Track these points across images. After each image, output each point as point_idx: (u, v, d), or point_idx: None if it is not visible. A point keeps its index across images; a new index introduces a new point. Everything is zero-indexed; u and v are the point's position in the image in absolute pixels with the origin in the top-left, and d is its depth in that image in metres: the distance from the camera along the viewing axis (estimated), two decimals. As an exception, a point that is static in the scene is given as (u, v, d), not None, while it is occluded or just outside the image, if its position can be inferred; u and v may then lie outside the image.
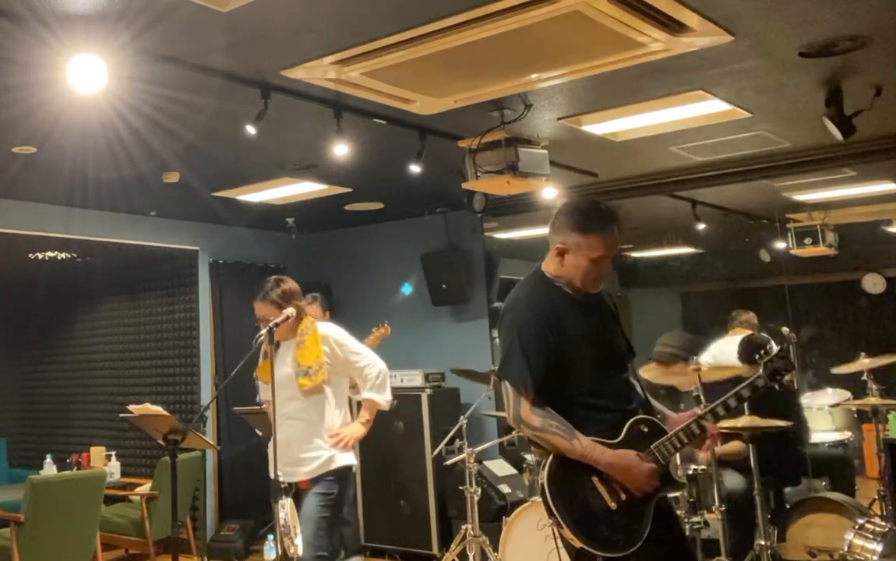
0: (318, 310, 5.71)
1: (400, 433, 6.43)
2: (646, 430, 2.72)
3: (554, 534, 2.74)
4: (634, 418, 2.73)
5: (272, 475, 3.68)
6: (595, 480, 2.64)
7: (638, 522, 2.61)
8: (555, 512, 2.61)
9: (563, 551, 2.80)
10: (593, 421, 2.68)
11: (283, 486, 3.58)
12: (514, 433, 5.41)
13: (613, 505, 2.62)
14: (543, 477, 2.65)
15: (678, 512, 4.00)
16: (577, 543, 2.60)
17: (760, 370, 2.80)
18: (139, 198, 5.98)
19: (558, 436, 2.62)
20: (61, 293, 8.44)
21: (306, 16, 3.03)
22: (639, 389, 2.88)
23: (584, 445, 2.62)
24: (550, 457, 2.67)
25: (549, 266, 2.84)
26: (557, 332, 2.72)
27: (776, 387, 2.80)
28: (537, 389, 2.67)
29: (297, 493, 3.81)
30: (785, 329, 2.97)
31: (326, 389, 3.87)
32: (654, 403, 2.89)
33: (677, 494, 2.74)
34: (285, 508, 3.52)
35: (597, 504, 2.62)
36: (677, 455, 2.80)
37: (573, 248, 2.76)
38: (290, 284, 4.00)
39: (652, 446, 2.68)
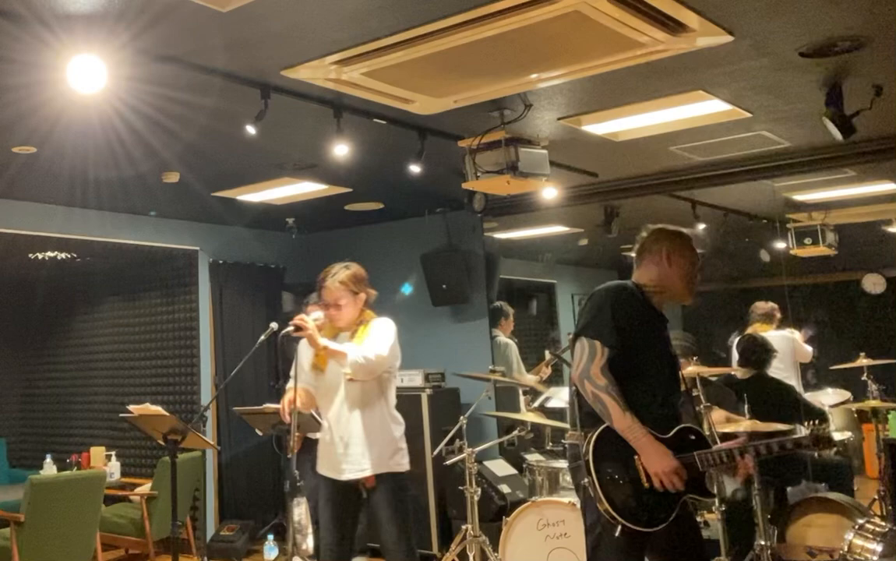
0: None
1: (400, 433, 6.42)
2: (693, 438, 2.96)
3: (584, 495, 2.94)
4: (686, 425, 2.98)
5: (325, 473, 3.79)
6: (637, 457, 2.86)
7: (664, 506, 2.84)
8: (592, 473, 2.84)
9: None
10: (647, 417, 2.88)
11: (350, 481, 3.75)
12: (514, 433, 5.42)
13: (647, 484, 2.83)
14: (590, 441, 2.88)
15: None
16: (605, 508, 2.81)
17: (806, 432, 3.07)
18: (139, 198, 5.98)
19: (614, 402, 2.86)
20: (61, 293, 8.44)
21: (306, 16, 3.03)
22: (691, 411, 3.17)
23: (632, 422, 2.85)
24: (602, 427, 2.89)
25: (643, 278, 3.13)
26: (638, 325, 3.00)
27: (815, 455, 3.09)
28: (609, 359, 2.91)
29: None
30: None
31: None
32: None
33: (705, 500, 3.03)
34: (300, 506, 3.53)
35: (632, 479, 2.84)
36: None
37: (679, 249, 3.12)
38: (357, 269, 3.97)
39: (695, 452, 2.91)
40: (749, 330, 5.78)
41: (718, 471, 3.01)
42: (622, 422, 2.85)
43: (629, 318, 2.98)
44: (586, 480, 2.86)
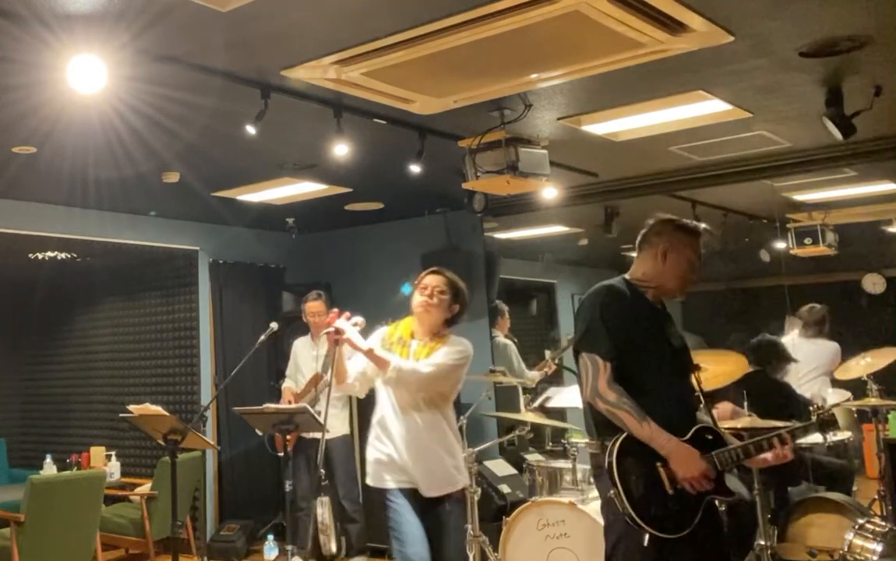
0: (323, 306, 5.73)
1: (400, 433, 6.41)
2: (710, 438, 2.91)
3: (606, 505, 2.90)
4: (701, 425, 2.92)
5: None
6: (658, 465, 2.80)
7: (688, 512, 2.80)
8: (618, 485, 2.78)
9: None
10: (662, 421, 2.82)
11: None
12: (514, 433, 5.41)
13: (671, 491, 2.79)
14: (612, 451, 2.82)
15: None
16: (634, 518, 2.76)
17: (813, 419, 3.03)
18: (139, 198, 5.98)
19: (630, 415, 2.79)
20: (61, 293, 8.44)
21: (306, 16, 3.03)
22: (701, 401, 3.09)
23: (653, 429, 2.79)
24: (622, 436, 2.82)
25: (638, 272, 3.06)
26: (632, 324, 2.92)
27: (823, 440, 3.12)
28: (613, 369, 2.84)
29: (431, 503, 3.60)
30: None
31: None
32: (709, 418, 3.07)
33: (726, 500, 3.11)
34: (324, 506, 3.50)
35: (656, 487, 2.79)
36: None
37: (679, 247, 3.01)
38: (464, 287, 3.93)
39: (714, 452, 2.85)
40: (788, 335, 5.71)
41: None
42: (642, 432, 2.78)
43: (622, 321, 2.89)
44: (612, 491, 2.80)
